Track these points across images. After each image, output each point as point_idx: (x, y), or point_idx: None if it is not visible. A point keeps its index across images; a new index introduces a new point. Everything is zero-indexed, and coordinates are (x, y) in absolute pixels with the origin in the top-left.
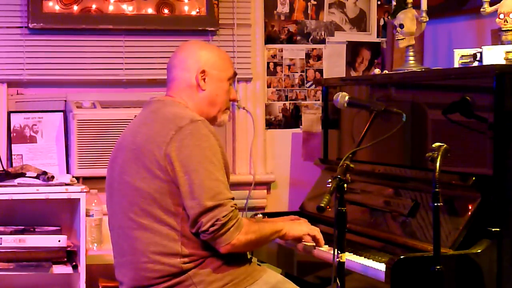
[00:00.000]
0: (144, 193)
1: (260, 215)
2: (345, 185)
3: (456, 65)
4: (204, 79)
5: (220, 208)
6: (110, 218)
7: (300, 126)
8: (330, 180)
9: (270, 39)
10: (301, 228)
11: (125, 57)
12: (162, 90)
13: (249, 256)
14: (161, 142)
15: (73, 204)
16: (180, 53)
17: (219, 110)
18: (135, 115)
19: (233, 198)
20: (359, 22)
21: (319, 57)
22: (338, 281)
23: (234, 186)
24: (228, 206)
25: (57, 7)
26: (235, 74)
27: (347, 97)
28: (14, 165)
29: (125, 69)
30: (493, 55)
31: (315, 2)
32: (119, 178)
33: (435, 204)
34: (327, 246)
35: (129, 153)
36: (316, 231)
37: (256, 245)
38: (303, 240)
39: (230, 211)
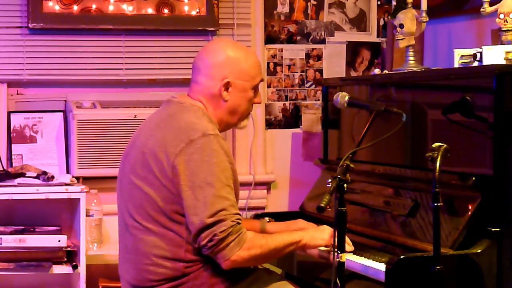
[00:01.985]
0: (151, 199)
1: (267, 219)
2: (345, 185)
3: (456, 65)
4: (227, 90)
5: (219, 224)
6: (118, 212)
7: (300, 126)
8: (330, 180)
9: (270, 39)
10: (322, 236)
11: (125, 57)
12: (162, 90)
13: None
14: (171, 153)
15: (73, 204)
16: (207, 56)
17: (239, 119)
18: (135, 115)
19: (238, 214)
20: (359, 22)
21: (319, 57)
22: (338, 281)
23: None
24: (228, 221)
25: (57, 7)
26: (261, 80)
27: (347, 97)
28: (14, 165)
29: (125, 69)
30: (493, 55)
31: (315, 2)
32: (128, 177)
33: (435, 204)
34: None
35: (140, 156)
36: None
37: (264, 259)
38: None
39: (230, 226)
